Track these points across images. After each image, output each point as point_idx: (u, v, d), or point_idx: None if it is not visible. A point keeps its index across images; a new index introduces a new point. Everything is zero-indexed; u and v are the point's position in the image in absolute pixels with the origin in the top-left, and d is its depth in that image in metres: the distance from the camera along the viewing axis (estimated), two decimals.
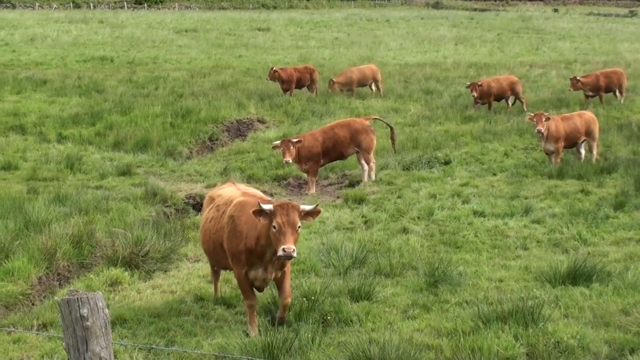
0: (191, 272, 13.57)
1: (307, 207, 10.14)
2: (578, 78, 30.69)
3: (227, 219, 10.64)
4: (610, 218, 16.38)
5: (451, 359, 9.65)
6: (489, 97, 30.07)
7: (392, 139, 21.38)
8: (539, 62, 46.83)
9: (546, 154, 21.74)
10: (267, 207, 9.85)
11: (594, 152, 22.09)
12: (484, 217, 16.62)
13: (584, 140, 21.87)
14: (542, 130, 20.82)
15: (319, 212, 10.29)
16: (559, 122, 21.36)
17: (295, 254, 9.78)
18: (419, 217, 16.71)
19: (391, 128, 21.07)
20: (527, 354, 9.64)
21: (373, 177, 20.64)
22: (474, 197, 18.36)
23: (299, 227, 9.95)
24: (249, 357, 9.33)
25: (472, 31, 74.41)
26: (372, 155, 20.64)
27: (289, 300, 10.80)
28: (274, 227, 9.80)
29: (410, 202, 17.70)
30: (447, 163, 22.27)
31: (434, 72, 40.55)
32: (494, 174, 21.06)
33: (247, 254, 10.35)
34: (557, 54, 52.56)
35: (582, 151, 22.19)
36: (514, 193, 18.61)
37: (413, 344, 9.94)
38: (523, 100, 30.65)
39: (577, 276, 12.27)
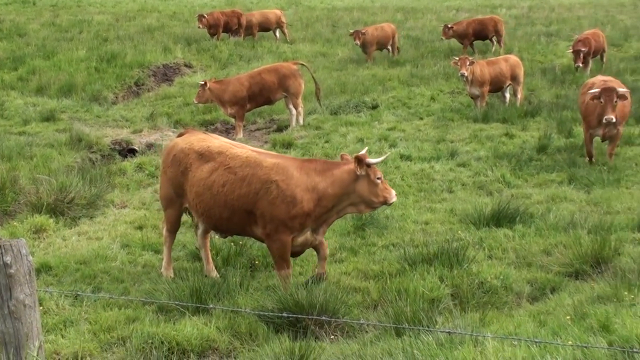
0: (118, 219, 13.46)
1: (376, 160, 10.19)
2: (449, 25, 30.57)
3: (264, 183, 9.87)
4: (534, 161, 16.66)
5: (378, 301, 9.77)
6: (371, 46, 29.39)
7: (317, 94, 21.29)
8: (465, 7, 46.95)
9: (472, 98, 21.95)
10: (373, 161, 9.95)
11: (519, 96, 22.35)
12: (411, 160, 16.75)
13: (509, 84, 22.10)
14: (466, 74, 20.97)
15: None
16: (484, 66, 21.53)
17: None
18: None
19: (316, 83, 20.97)
20: (452, 295, 9.77)
21: (301, 121, 20.63)
22: (401, 141, 18.49)
23: None
24: (177, 302, 9.34)
25: None
26: (300, 100, 20.61)
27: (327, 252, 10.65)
28: (379, 178, 9.92)
29: (338, 147, 17.73)
30: (374, 107, 22.34)
31: (362, 17, 40.42)
32: (421, 118, 21.22)
33: (303, 219, 9.90)
34: None
35: (507, 95, 22.45)
36: (440, 137, 18.79)
37: (340, 286, 10.03)
38: (397, 49, 30.52)
39: (500, 218, 12.46)
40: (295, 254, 10.39)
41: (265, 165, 9.98)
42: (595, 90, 15.39)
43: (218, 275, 10.62)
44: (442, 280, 10.03)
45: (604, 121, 15.32)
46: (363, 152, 10.20)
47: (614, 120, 15.24)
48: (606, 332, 7.60)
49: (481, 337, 7.20)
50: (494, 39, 30.67)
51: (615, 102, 15.20)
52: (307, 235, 10.07)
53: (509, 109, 21.23)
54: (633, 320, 7.69)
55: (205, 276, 10.51)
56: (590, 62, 26.47)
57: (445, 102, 22.99)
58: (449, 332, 7.26)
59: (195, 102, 20.72)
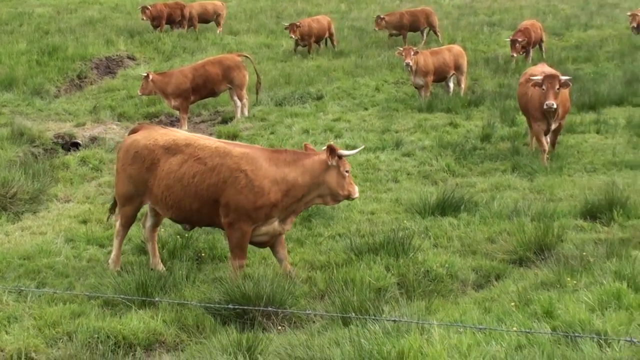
0: (62, 213, 13.33)
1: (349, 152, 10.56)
2: (382, 16, 30.46)
3: (233, 172, 9.89)
4: (478, 150, 16.81)
5: (325, 291, 9.79)
6: (309, 38, 29.04)
7: (257, 87, 21.21)
8: None
9: (416, 87, 22.06)
10: (345, 153, 10.16)
11: (462, 85, 22.52)
12: None
13: (453, 74, 22.25)
14: (411, 64, 21.07)
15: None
16: (427, 56, 21.65)
17: None
18: None
19: (257, 76, 20.90)
20: (398, 284, 9.84)
21: (246, 113, 20.58)
22: (346, 132, 18.54)
23: None
24: (123, 296, 9.28)
25: None
26: (244, 92, 20.57)
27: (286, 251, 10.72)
28: (347, 171, 10.06)
29: (284, 138, 17.72)
30: (319, 98, 22.34)
31: (306, 7, 40.29)
32: (366, 109, 21.29)
33: (268, 209, 9.94)
34: None
35: (451, 85, 22.60)
36: (385, 127, 18.86)
37: (287, 277, 10.04)
38: (335, 42, 30.33)
39: (445, 207, 12.56)
40: (263, 243, 10.42)
41: (235, 155, 10.02)
42: (538, 77, 15.28)
43: (164, 268, 10.57)
44: (388, 269, 10.09)
45: (544, 107, 15.01)
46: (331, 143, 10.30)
47: (555, 106, 14.95)
48: (550, 317, 7.72)
49: (427, 325, 7.26)
50: (425, 31, 30.84)
51: (558, 89, 15.05)
52: (275, 225, 10.13)
53: (453, 99, 21.38)
54: (576, 306, 7.81)
55: (152, 269, 10.45)
56: (531, 52, 26.77)
57: (390, 93, 23.08)
58: (394, 321, 7.31)
59: (140, 93, 20.59)
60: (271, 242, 10.40)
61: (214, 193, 10.00)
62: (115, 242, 10.97)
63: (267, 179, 9.86)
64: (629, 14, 31.25)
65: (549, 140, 15.95)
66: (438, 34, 30.65)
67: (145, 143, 10.54)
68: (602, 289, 8.23)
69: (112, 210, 11.59)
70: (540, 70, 16.21)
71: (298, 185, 9.96)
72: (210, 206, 10.10)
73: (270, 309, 8.55)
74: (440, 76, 22.06)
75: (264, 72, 23.84)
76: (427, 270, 10.15)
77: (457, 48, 22.99)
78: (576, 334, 7.03)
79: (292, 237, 11.78)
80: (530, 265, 10.21)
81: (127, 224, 10.98)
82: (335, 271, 10.14)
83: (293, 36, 28.48)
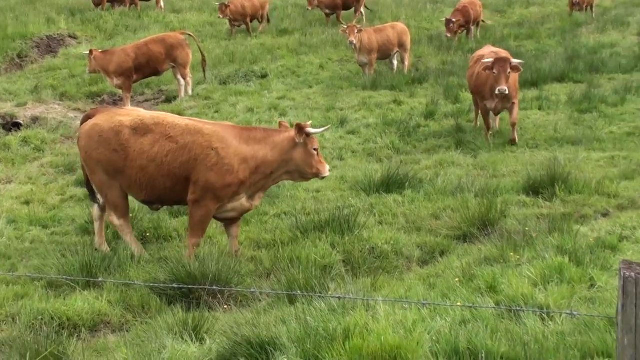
0: (3, 194, 13.16)
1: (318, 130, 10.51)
2: None
3: (204, 149, 9.91)
4: (422, 127, 16.90)
5: (271, 270, 9.78)
6: (244, 18, 28.52)
7: (203, 65, 21.08)
8: None
9: (360, 65, 22.10)
10: (312, 130, 10.17)
11: (406, 63, 22.60)
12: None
13: (397, 51, 22.31)
14: (355, 42, 21.10)
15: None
16: (371, 34, 21.69)
17: None
18: None
19: (202, 54, 20.77)
20: (344, 261, 9.86)
21: (190, 92, 20.48)
22: (291, 110, 18.51)
23: None
24: (66, 277, 9.19)
25: None
26: (188, 70, 20.46)
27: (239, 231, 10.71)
28: (315, 150, 10.11)
29: (228, 117, 17.65)
30: (264, 77, 22.31)
31: None
32: (310, 87, 21.27)
33: (236, 187, 9.99)
34: None
35: (395, 62, 22.67)
36: (329, 105, 18.87)
37: (233, 257, 10.02)
38: (266, 21, 29.89)
39: (390, 184, 12.60)
40: (231, 219, 10.42)
41: (207, 133, 10.04)
42: (488, 60, 15.03)
43: (108, 249, 10.49)
44: (334, 247, 10.11)
45: (496, 92, 14.79)
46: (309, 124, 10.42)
47: (507, 91, 14.76)
48: (493, 292, 7.80)
49: (372, 301, 7.29)
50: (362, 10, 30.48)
51: (509, 73, 14.82)
52: (242, 201, 10.20)
53: (397, 76, 21.46)
54: (519, 280, 7.91)
55: (96, 250, 10.36)
56: (473, 29, 26.91)
57: (334, 70, 23.09)
58: (339, 298, 7.33)
59: (88, 71, 20.30)
60: (239, 218, 10.48)
61: (185, 170, 10.00)
62: (127, 239, 10.61)
63: (237, 156, 9.94)
64: None
65: (497, 120, 15.95)
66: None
67: (110, 126, 10.31)
68: (545, 263, 8.34)
69: (93, 200, 11.22)
70: (488, 52, 16.10)
71: (267, 162, 10.05)
72: (182, 184, 10.10)
73: (216, 287, 8.52)
74: (384, 54, 22.13)
75: (207, 50, 23.67)
76: (373, 248, 10.18)
77: (400, 26, 23.05)
78: (519, 308, 7.11)
79: None
80: (474, 241, 10.28)
81: (123, 213, 10.57)
82: (281, 249, 10.13)
83: (221, 16, 28.04)
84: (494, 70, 14.85)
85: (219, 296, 8.82)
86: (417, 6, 33.03)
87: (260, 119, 17.44)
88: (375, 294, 8.09)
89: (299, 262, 9.45)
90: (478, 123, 16.51)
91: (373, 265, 9.77)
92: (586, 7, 30.90)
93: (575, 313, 5.99)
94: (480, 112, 16.29)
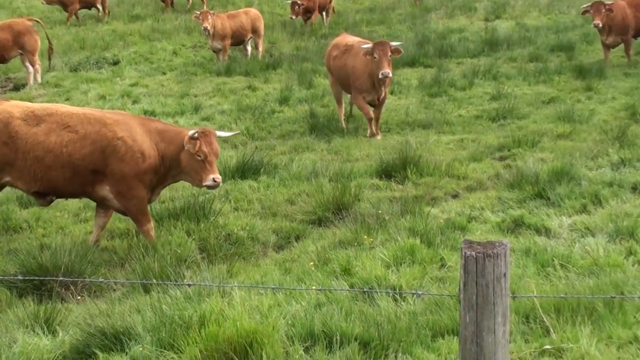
0: None
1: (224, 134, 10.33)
2: None
3: (111, 140, 9.60)
4: (276, 112, 16.96)
5: (125, 259, 9.64)
6: (72, 4, 27.47)
7: (49, 53, 20.58)
8: None
9: (214, 51, 22.02)
10: (193, 132, 9.64)
11: (260, 48, 22.64)
12: (155, 116, 16.56)
13: (250, 37, 22.32)
14: (208, 28, 21.00)
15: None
16: (225, 19, 21.62)
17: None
18: None
19: (49, 41, 20.26)
20: (200, 248, 9.81)
21: (39, 79, 19.97)
22: (144, 97, 18.32)
23: None
24: None
25: None
26: (37, 57, 19.95)
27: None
28: (199, 155, 9.60)
29: (80, 104, 17.22)
30: (115, 63, 21.99)
31: None
32: (164, 73, 21.09)
33: (151, 174, 9.77)
34: None
35: (249, 48, 22.68)
36: (183, 91, 18.74)
37: (86, 246, 9.83)
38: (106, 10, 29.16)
39: (245, 170, 12.60)
40: (110, 209, 10.18)
41: (109, 123, 9.73)
42: (368, 45, 14.67)
43: None
44: (189, 234, 10.05)
45: (380, 76, 14.32)
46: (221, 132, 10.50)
47: (391, 74, 14.55)
48: (348, 275, 7.94)
49: (228, 287, 7.31)
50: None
51: (390, 56, 14.47)
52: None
53: (251, 62, 21.48)
54: (372, 263, 8.07)
55: None
56: (317, 15, 26.93)
57: (188, 57, 22.95)
58: (193, 285, 7.32)
59: None
60: (117, 211, 10.27)
61: (90, 163, 9.67)
62: None
63: (145, 143, 9.73)
64: None
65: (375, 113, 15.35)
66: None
67: (10, 112, 9.83)
68: (397, 245, 8.54)
69: None
70: (345, 41, 15.92)
71: (166, 155, 9.84)
72: (85, 176, 9.75)
73: (67, 279, 8.36)
74: (238, 39, 22.10)
75: (57, 36, 23.15)
76: (228, 234, 10.18)
77: (254, 11, 23.06)
78: (372, 290, 7.26)
79: (90, 205, 11.40)
80: (329, 225, 10.40)
81: None
82: (135, 238, 10.01)
83: (44, 2, 27.49)
84: (375, 55, 14.38)
85: (72, 287, 8.65)
86: None
87: (113, 106, 17.15)
88: (231, 281, 8.12)
89: (154, 251, 9.35)
90: (343, 122, 16.07)
91: (229, 252, 9.75)
92: None
93: (419, 292, 6.16)
94: (356, 105, 15.63)
